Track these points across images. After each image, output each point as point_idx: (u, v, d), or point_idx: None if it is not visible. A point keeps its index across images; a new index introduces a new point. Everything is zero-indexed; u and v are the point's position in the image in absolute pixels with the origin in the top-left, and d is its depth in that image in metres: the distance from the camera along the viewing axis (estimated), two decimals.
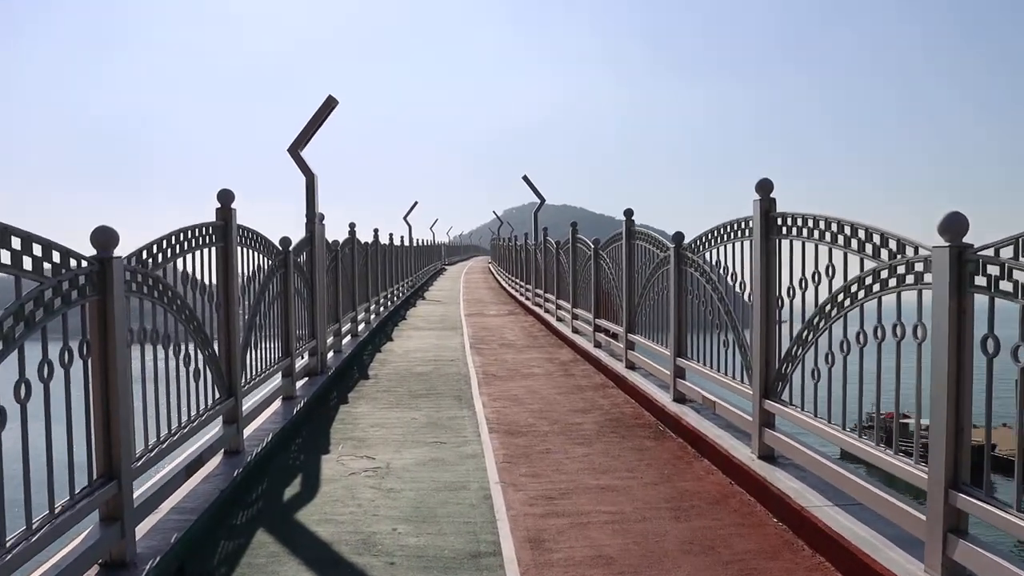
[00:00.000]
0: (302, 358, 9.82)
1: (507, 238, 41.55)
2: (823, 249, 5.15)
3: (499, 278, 39.10)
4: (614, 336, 11.84)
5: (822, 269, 5.16)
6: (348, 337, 14.05)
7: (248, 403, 6.97)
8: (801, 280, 5.49)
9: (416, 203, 35.73)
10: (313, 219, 10.00)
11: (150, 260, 4.65)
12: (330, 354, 11.79)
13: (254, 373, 7.05)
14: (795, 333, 5.56)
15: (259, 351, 7.31)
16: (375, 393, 9.79)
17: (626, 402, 9.17)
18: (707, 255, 7.43)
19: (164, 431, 4.82)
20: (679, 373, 8.21)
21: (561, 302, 16.65)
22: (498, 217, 57.86)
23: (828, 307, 5.08)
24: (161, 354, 4.88)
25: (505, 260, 36.32)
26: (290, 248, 8.50)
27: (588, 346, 12.83)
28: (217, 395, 5.94)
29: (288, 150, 10.14)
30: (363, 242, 16.55)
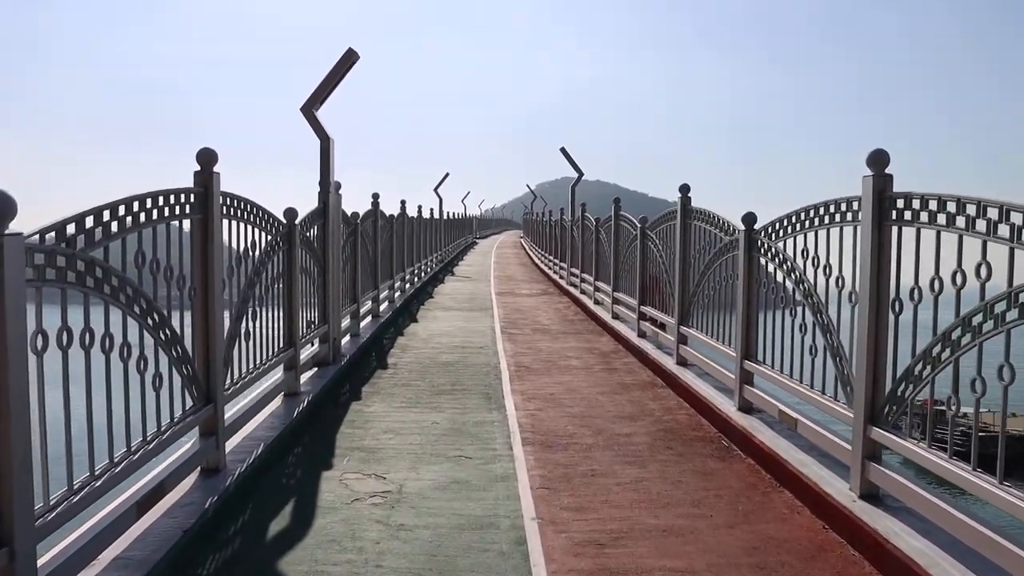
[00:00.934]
0: (313, 344, 8.72)
1: (540, 213, 40.29)
2: (972, 241, 3.90)
3: (531, 254, 37.89)
4: (662, 326, 10.61)
5: (970, 267, 3.90)
6: (369, 318, 12.94)
7: (236, 408, 5.87)
8: (934, 280, 4.23)
9: (447, 174, 34.57)
10: (327, 188, 8.85)
11: (81, 237, 3.49)
12: (346, 339, 10.68)
13: (244, 371, 5.92)
14: (924, 347, 4.31)
15: (253, 343, 6.17)
16: (392, 388, 8.66)
17: (679, 406, 7.96)
18: (789, 242, 6.18)
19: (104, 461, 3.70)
20: (746, 378, 6.98)
21: (600, 284, 15.41)
22: (532, 191, 56.48)
23: (978, 317, 3.84)
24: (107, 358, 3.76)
25: (538, 236, 35.07)
26: (296, 222, 7.35)
27: (630, 335, 11.62)
28: (190, 403, 4.82)
29: (301, 109, 8.98)
30: (388, 215, 15.40)
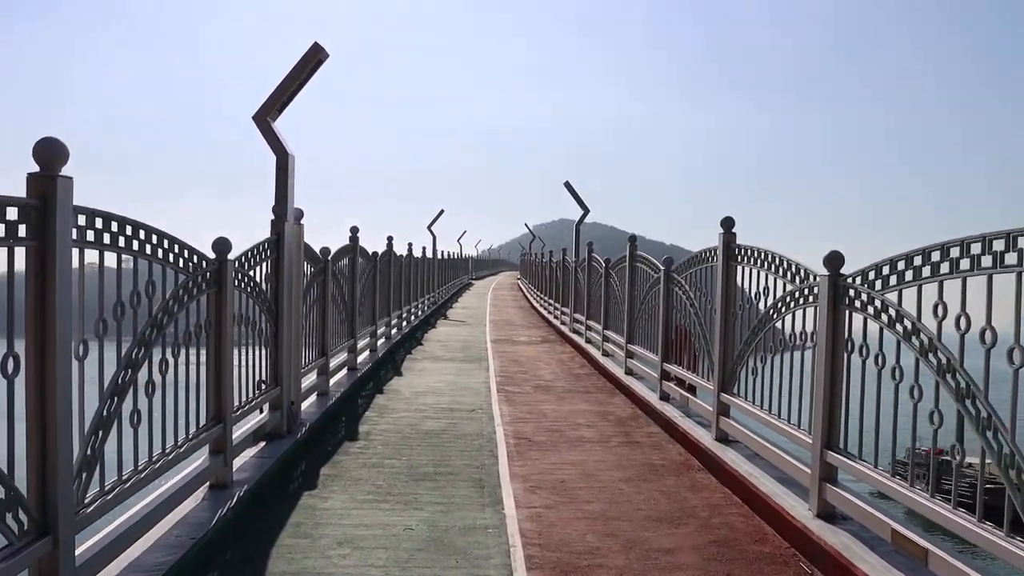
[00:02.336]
0: (262, 411, 6.91)
1: (539, 254, 38.61)
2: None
3: (529, 296, 36.13)
4: (692, 390, 8.82)
5: None
6: (343, 372, 11.12)
7: (113, 526, 4.04)
8: None
9: (442, 211, 32.89)
10: (283, 215, 7.07)
11: None
12: (311, 399, 8.87)
13: (126, 472, 4.09)
14: None
15: (149, 424, 4.36)
16: (359, 469, 6.81)
17: (728, 502, 6.12)
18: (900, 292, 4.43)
19: None
20: (827, 474, 5.17)
21: (611, 334, 13.61)
22: (530, 230, 54.80)
23: None
24: None
25: (537, 278, 33.33)
26: (230, 257, 5.57)
27: (650, 396, 9.81)
28: (15, 539, 3.01)
29: (254, 118, 7.24)
30: (371, 252, 13.64)
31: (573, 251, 19.18)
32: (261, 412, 6.96)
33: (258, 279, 6.50)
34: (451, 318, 25.25)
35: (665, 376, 9.60)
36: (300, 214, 7.64)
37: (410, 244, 20.31)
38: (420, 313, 22.78)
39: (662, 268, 9.74)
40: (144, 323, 4.30)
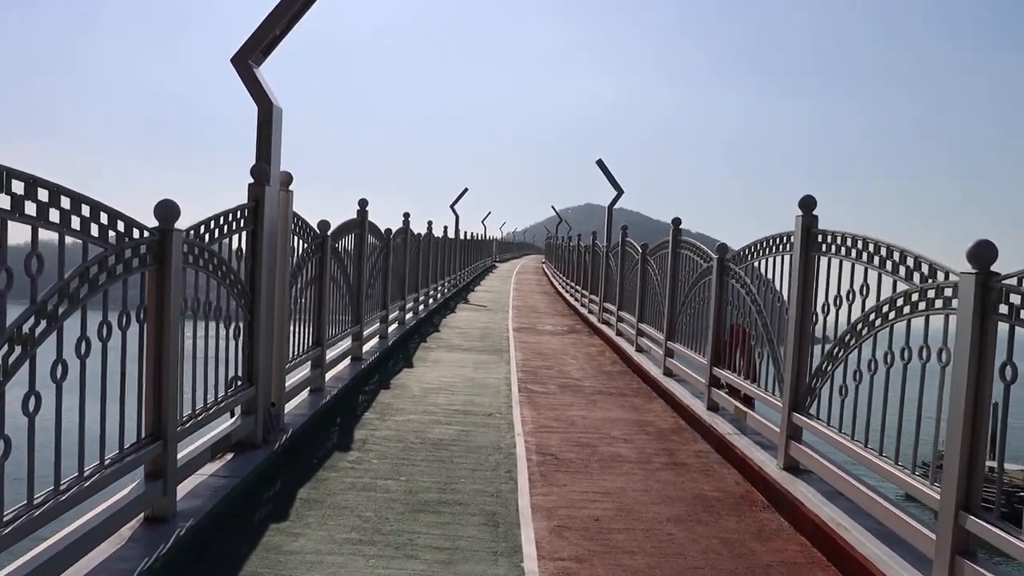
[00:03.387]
0: (233, 415, 5.67)
1: (565, 237, 37.24)
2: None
3: (554, 281, 34.78)
4: (748, 400, 7.49)
5: None
6: (345, 362, 9.88)
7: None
8: None
9: (466, 190, 31.53)
10: (263, 178, 5.78)
11: None
12: (300, 397, 7.63)
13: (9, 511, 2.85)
14: None
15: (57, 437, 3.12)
16: (346, 493, 5.52)
17: (810, 559, 4.78)
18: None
19: None
20: (964, 547, 3.82)
21: (646, 328, 12.25)
22: (557, 213, 53.37)
23: None
24: None
25: (563, 263, 31.94)
26: (176, 228, 4.28)
27: (695, 405, 8.49)
28: None
29: (233, 60, 5.95)
30: (384, 230, 12.35)
31: (604, 235, 17.79)
32: (233, 415, 5.72)
33: (219, 256, 5.20)
34: (472, 302, 23.96)
35: (714, 383, 8.24)
36: (288, 178, 6.34)
37: (430, 222, 19.03)
38: (439, 296, 21.52)
39: (715, 256, 8.37)
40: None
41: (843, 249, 5.46)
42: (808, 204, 6.01)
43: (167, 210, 4.21)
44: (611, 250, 16.44)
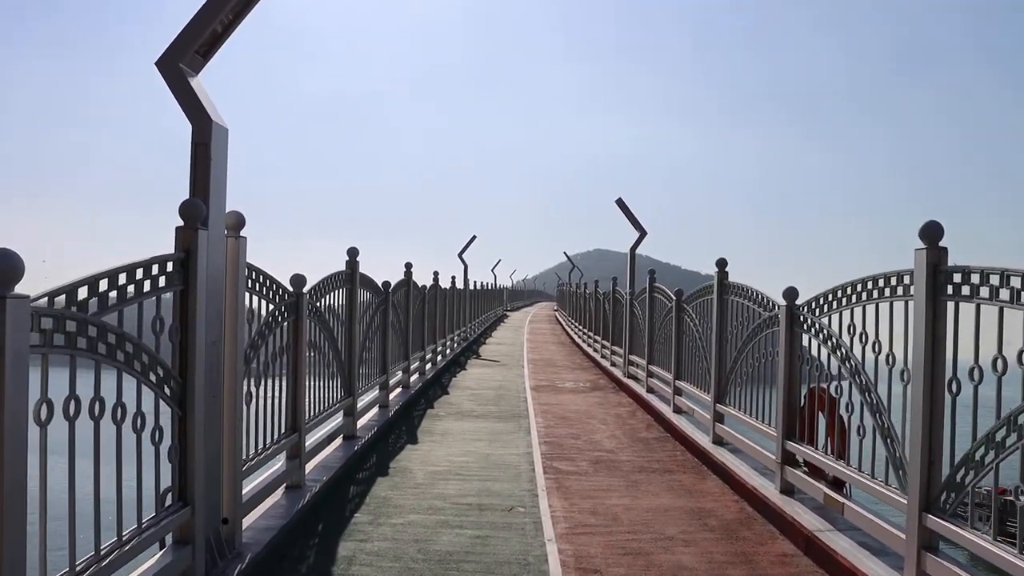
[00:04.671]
0: (163, 546, 4.08)
1: (578, 284, 35.75)
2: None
3: (569, 330, 33.19)
4: (836, 483, 5.89)
5: None
6: (337, 441, 8.30)
7: None
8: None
9: (474, 237, 30.07)
10: (195, 220, 4.24)
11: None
12: (273, 499, 6.02)
13: None
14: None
15: None
16: None
17: None
18: None
19: None
20: None
21: (685, 386, 10.64)
22: (569, 259, 51.84)
23: None
24: None
25: (578, 311, 30.37)
26: (12, 294, 2.74)
27: (761, 485, 6.91)
28: None
29: (159, 63, 4.47)
30: (382, 283, 10.82)
31: (627, 280, 16.23)
32: (163, 547, 4.13)
33: (140, 325, 3.66)
34: (484, 356, 22.35)
35: (789, 460, 6.63)
36: (238, 220, 4.84)
37: (435, 273, 17.50)
38: (448, 352, 19.95)
39: (781, 304, 6.80)
40: None
41: (986, 290, 3.93)
42: (932, 233, 4.47)
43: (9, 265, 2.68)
44: (636, 298, 14.87)
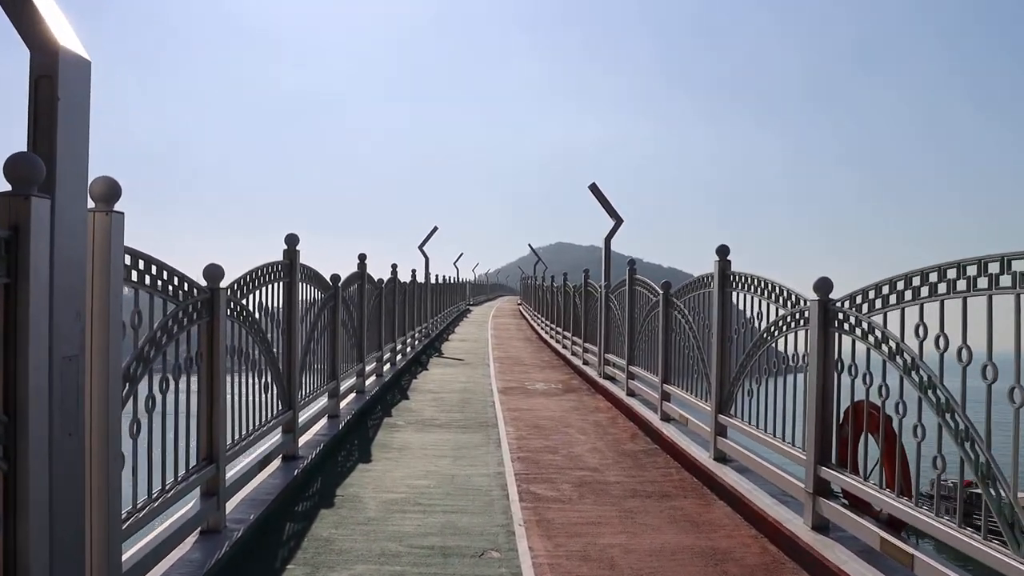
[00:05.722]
0: None
1: (543, 277, 34.58)
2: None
3: (535, 325, 31.96)
4: (893, 523, 4.71)
5: None
6: (275, 464, 6.98)
7: None
8: None
9: (435, 229, 28.65)
10: (30, 183, 2.89)
11: None
12: (181, 551, 4.68)
13: None
14: None
15: None
16: None
17: None
18: None
19: None
20: None
21: (675, 391, 9.44)
22: (534, 251, 50.55)
23: None
24: None
25: (544, 305, 29.15)
26: None
27: (786, 517, 5.75)
28: None
29: None
30: (330, 278, 9.46)
31: (603, 272, 14.99)
32: None
33: None
34: (447, 354, 21.04)
35: (822, 489, 5.43)
36: (109, 190, 3.51)
37: (394, 266, 16.14)
38: (409, 350, 18.61)
39: (810, 299, 5.58)
40: None
41: None
42: None
43: None
44: (613, 291, 13.65)
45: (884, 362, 4.70)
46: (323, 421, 9.15)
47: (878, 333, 4.76)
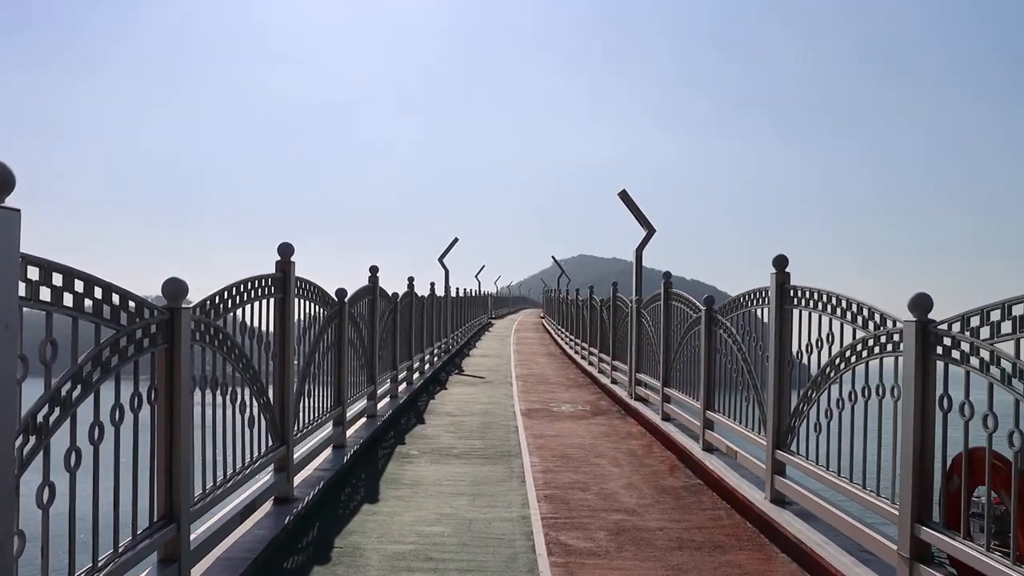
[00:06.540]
0: None
1: (566, 289, 33.63)
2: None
3: (559, 339, 30.98)
4: None
5: None
6: (267, 507, 6.04)
7: None
8: None
9: (456, 240, 27.73)
10: None
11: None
12: None
13: None
14: None
15: None
16: None
17: None
18: None
19: None
20: None
21: (719, 418, 8.41)
22: (557, 263, 49.51)
23: None
24: None
25: (568, 319, 28.14)
26: None
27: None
28: None
29: None
30: (336, 293, 8.54)
31: (634, 285, 13.97)
32: None
33: None
34: (467, 372, 20.07)
35: (921, 555, 4.41)
36: (2, 179, 2.59)
37: (411, 279, 15.21)
38: (428, 367, 17.68)
39: (904, 320, 4.58)
40: None
41: None
42: None
43: None
44: (646, 306, 12.64)
45: (1018, 402, 3.68)
46: (327, 452, 8.21)
47: (1006, 365, 3.74)
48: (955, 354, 4.17)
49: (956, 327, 4.16)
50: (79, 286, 3.19)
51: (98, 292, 3.35)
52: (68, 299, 3.11)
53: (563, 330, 30.61)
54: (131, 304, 3.67)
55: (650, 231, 13.87)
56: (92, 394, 3.33)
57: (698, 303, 9.25)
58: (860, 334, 5.27)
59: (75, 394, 3.16)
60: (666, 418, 10.89)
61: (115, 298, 3.51)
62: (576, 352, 23.68)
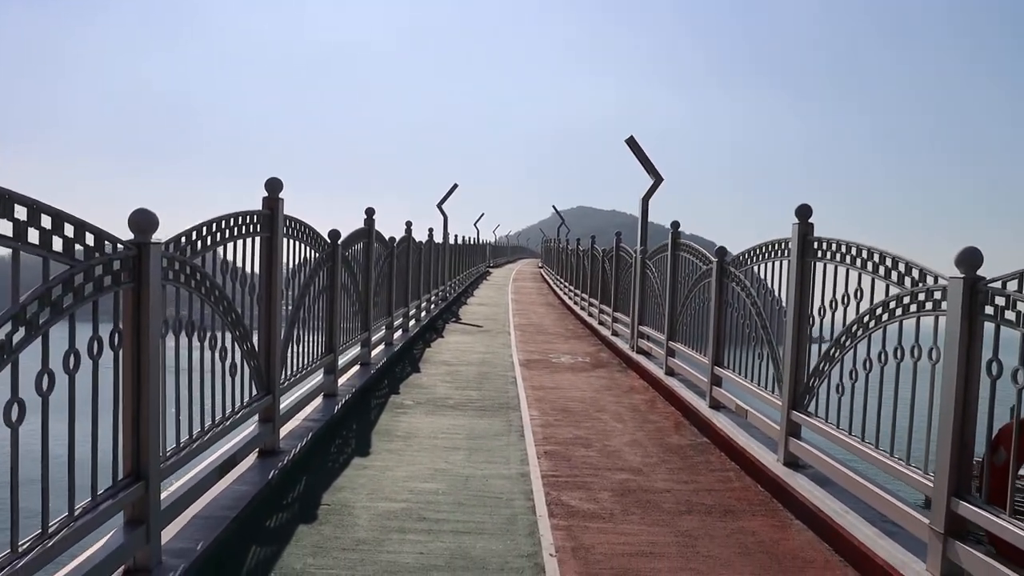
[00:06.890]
0: None
1: (566, 240, 33.22)
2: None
3: (557, 290, 30.62)
4: None
5: None
6: (251, 459, 5.68)
7: None
8: None
9: (455, 186, 27.15)
10: None
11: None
12: None
13: None
14: None
15: None
16: None
17: None
18: None
19: None
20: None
21: (729, 375, 8.04)
22: (558, 213, 48.90)
23: None
24: None
25: (568, 270, 27.73)
26: None
27: (900, 560, 4.37)
28: None
29: None
30: (328, 233, 8.10)
31: (639, 235, 13.53)
32: None
33: None
34: (464, 320, 19.71)
35: (955, 530, 4.05)
36: None
37: (408, 223, 14.74)
38: (424, 315, 17.30)
39: (948, 277, 4.16)
40: None
41: None
42: None
43: None
44: (651, 256, 12.21)
45: None
46: (317, 402, 7.85)
47: None
48: (1009, 315, 3.76)
49: (1012, 285, 3.74)
50: (21, 213, 2.76)
51: (46, 221, 2.91)
52: (7, 228, 2.68)
53: (562, 280, 30.23)
54: (88, 237, 3.24)
55: (657, 179, 13.36)
56: (40, 338, 2.91)
57: (709, 255, 8.83)
58: (894, 290, 4.86)
59: (16, 337, 2.74)
60: (670, 372, 10.53)
61: (69, 229, 3.08)
62: (575, 303, 23.32)
